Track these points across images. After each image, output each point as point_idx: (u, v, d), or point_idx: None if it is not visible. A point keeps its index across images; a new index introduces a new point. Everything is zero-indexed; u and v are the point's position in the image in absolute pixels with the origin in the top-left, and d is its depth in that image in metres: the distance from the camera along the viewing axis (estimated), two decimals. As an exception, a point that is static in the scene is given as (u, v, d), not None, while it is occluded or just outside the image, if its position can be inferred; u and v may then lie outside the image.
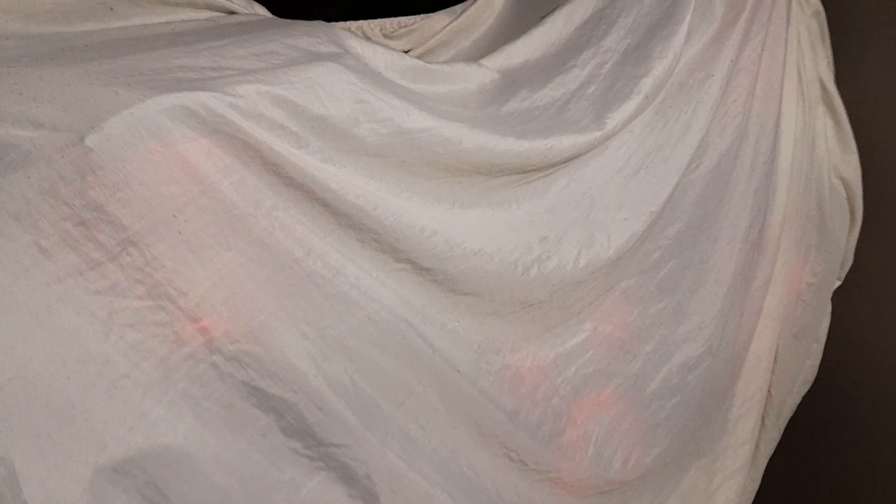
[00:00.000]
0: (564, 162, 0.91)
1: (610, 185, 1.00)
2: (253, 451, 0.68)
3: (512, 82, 0.98)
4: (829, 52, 1.29)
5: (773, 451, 1.46)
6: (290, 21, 0.84)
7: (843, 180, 1.35)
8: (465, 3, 1.21)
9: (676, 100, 1.05)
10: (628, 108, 0.94)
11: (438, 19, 1.17)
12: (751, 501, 1.45)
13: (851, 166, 1.33)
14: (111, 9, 0.79)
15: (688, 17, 1.00)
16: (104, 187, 0.57)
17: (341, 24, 1.08)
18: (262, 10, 0.92)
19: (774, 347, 1.36)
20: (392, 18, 1.15)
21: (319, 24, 0.77)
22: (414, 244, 0.75)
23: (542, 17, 1.09)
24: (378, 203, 0.72)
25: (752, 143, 1.17)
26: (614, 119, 0.92)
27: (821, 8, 1.24)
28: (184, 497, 0.63)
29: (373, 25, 1.13)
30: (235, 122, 0.61)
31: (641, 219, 1.00)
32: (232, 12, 0.88)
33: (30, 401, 0.56)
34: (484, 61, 1.00)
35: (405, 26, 1.15)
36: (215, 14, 0.86)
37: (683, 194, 1.10)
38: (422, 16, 1.17)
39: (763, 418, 1.40)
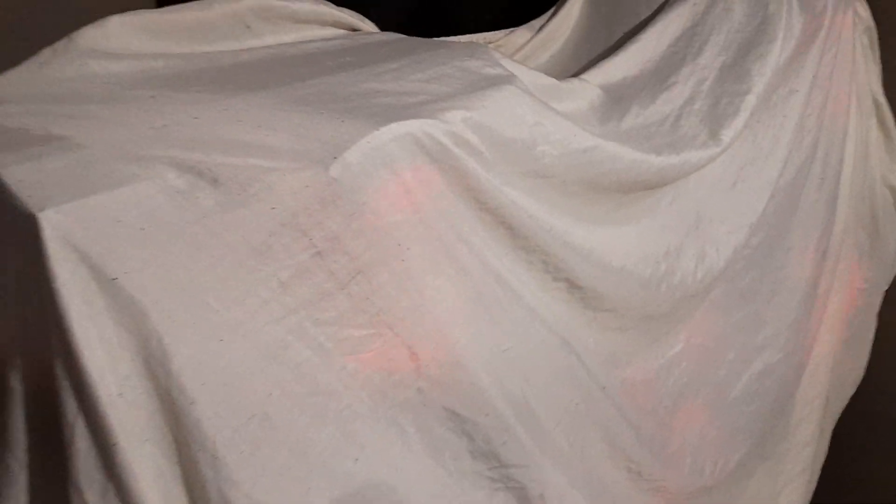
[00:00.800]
0: (686, 176, 0.94)
1: (710, 199, 1.04)
2: (446, 476, 0.69)
3: (618, 98, 1.01)
4: (879, 65, 1.35)
5: (825, 454, 1.52)
6: (429, 40, 0.85)
7: (892, 188, 1.41)
8: (542, 18, 1.24)
9: (764, 115, 1.10)
10: (738, 123, 0.98)
11: (521, 34, 1.19)
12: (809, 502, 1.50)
13: (899, 175, 1.40)
14: (248, 27, 0.79)
15: (781, 35, 1.05)
16: (341, 217, 0.57)
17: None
18: (372, 26, 0.93)
19: (833, 352, 1.42)
20: (479, 34, 1.16)
21: (473, 45, 0.78)
22: (575, 265, 0.77)
23: (631, 34, 1.11)
24: (551, 225, 0.73)
25: (822, 156, 1.22)
26: (728, 134, 0.96)
27: (872, 23, 1.31)
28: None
29: (463, 42, 1.14)
30: (451, 149, 0.62)
31: (742, 231, 1.05)
32: (355, 28, 0.88)
33: (269, 437, 0.55)
34: (586, 77, 1.02)
35: (491, 42, 1.17)
36: (340, 32, 0.87)
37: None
38: (504, 31, 1.19)
39: (821, 424, 1.45)
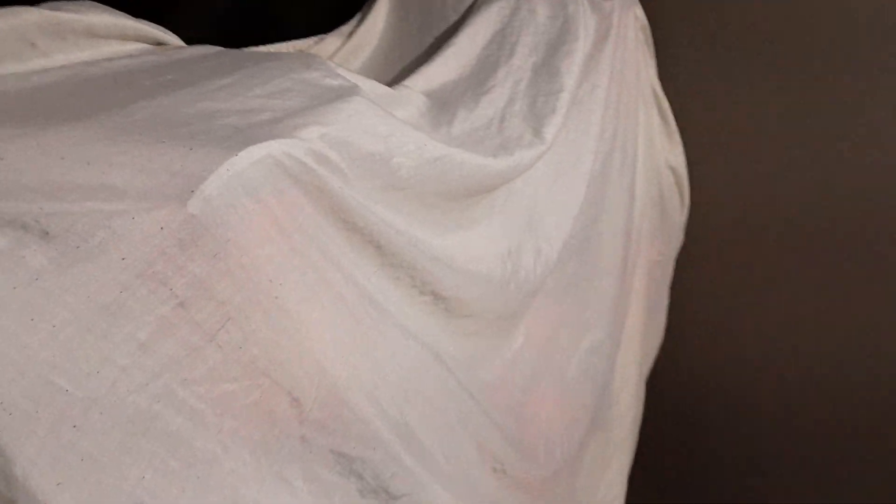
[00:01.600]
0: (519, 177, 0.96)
1: (537, 195, 1.08)
2: (337, 523, 0.64)
3: (443, 104, 1.01)
4: (654, 60, 1.50)
5: (642, 410, 1.66)
6: (247, 52, 0.78)
7: (673, 169, 1.58)
8: (349, 25, 1.21)
9: (572, 111, 1.16)
10: (557, 120, 1.02)
11: (332, 41, 1.15)
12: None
13: (678, 157, 1.58)
14: (33, 44, 0.67)
15: (582, 35, 1.11)
16: (204, 259, 0.49)
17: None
18: (178, 40, 0.84)
19: (642, 323, 1.55)
20: (286, 42, 1.11)
21: (303, 55, 0.73)
22: (441, 277, 0.76)
23: (446, 40, 1.12)
24: (415, 240, 0.71)
25: (621, 145, 1.33)
26: (550, 132, 1.00)
27: (647, 22, 1.45)
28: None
29: (272, 50, 1.07)
30: (313, 168, 0.56)
31: (568, 223, 1.10)
32: (161, 42, 0.79)
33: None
34: (407, 83, 1.01)
35: (301, 49, 1.12)
36: (145, 47, 0.77)
37: (584, 196, 1.21)
38: (315, 38, 1.15)
39: (636, 387, 1.59)
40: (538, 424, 1.17)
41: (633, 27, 1.32)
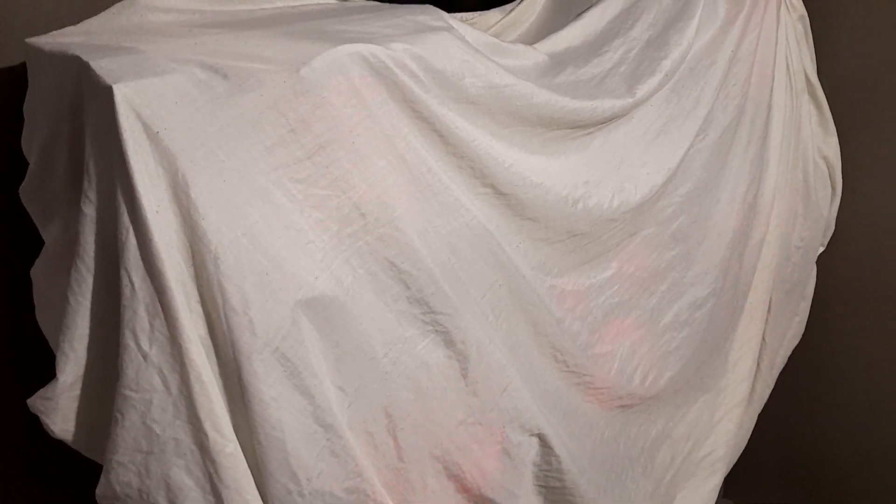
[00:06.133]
0: (603, 122, 1.20)
1: (636, 146, 1.29)
2: (387, 311, 0.96)
3: (559, 62, 1.27)
4: (812, 49, 1.59)
5: (768, 395, 1.73)
6: (399, 5, 1.13)
7: (825, 159, 1.64)
8: (512, 4, 1.50)
9: (688, 81, 1.35)
10: (653, 81, 1.23)
11: (492, 16, 1.46)
12: (748, 436, 1.72)
13: (832, 147, 1.64)
14: (262, -6, 1.09)
15: (698, 13, 1.30)
16: (309, 105, 0.85)
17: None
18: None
19: (768, 300, 1.64)
20: (457, 13, 1.44)
21: (428, 7, 1.06)
22: (497, 172, 1.04)
23: (579, 14, 1.38)
24: (475, 138, 1.00)
25: (749, 120, 1.46)
26: (642, 90, 1.21)
27: (805, 12, 1.55)
28: (343, 331, 0.91)
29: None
30: (391, 67, 0.90)
31: (661, 173, 1.29)
32: (346, -1, 1.17)
33: (254, 249, 0.83)
34: (536, 46, 1.29)
35: (466, 20, 1.44)
36: (336, 0, 1.16)
37: (693, 159, 1.38)
38: (479, 12, 1.46)
39: (758, 362, 1.67)
40: (616, 346, 1.37)
41: (775, 15, 1.44)
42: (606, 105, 1.17)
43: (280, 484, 0.88)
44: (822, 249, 1.72)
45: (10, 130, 1.01)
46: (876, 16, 1.55)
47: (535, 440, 1.18)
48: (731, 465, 1.68)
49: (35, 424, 0.90)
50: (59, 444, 0.91)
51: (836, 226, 1.70)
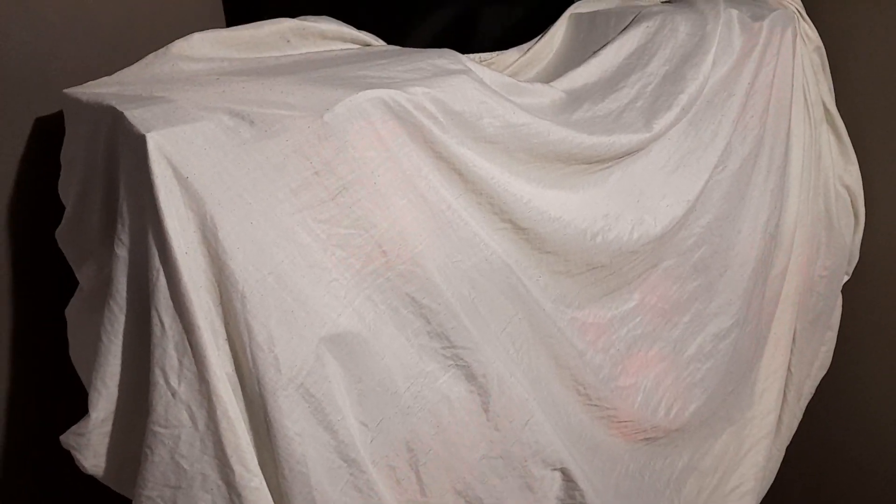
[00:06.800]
0: (621, 157, 1.22)
1: (654, 179, 1.30)
2: (408, 346, 0.98)
3: (576, 99, 1.30)
4: (830, 79, 1.60)
5: (796, 426, 1.71)
6: (417, 49, 1.16)
7: (847, 187, 1.64)
8: (529, 43, 1.54)
9: (706, 114, 1.36)
10: (669, 116, 1.25)
11: (510, 55, 1.49)
12: (776, 468, 1.70)
13: (853, 175, 1.64)
14: (288, 41, 1.13)
15: (713, 49, 1.32)
16: (332, 149, 0.88)
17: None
18: (382, 44, 1.25)
19: (792, 330, 1.64)
20: (475, 54, 1.48)
21: (446, 51, 1.09)
22: (515, 208, 1.06)
23: (596, 51, 1.41)
24: (493, 175, 1.03)
25: (768, 151, 1.47)
26: (659, 124, 1.23)
27: (821, 43, 1.56)
28: (366, 367, 0.93)
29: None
30: (411, 110, 0.93)
31: (681, 205, 1.30)
32: (368, 44, 1.21)
33: (280, 288, 0.86)
34: (554, 83, 1.32)
35: (484, 60, 1.48)
36: (357, 46, 1.20)
37: (713, 190, 1.40)
38: (496, 52, 1.50)
39: (785, 393, 1.66)
40: (640, 378, 1.37)
41: (791, 46, 1.46)
42: (623, 140, 1.19)
43: (304, 518, 0.90)
44: (847, 278, 1.71)
45: (48, 176, 1.05)
46: (893, 44, 1.56)
47: (557, 474, 1.18)
48: (760, 498, 1.66)
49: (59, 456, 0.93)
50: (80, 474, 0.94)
51: (860, 254, 1.69)
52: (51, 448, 0.93)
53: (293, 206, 0.87)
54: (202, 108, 0.86)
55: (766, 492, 1.68)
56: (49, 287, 1.14)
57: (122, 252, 0.86)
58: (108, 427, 0.92)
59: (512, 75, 1.43)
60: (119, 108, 0.84)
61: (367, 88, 0.91)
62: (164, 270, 0.82)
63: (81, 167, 0.94)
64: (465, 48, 1.27)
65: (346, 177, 0.90)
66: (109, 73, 1.01)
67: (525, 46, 1.52)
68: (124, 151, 0.84)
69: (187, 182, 0.82)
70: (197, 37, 1.07)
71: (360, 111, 0.89)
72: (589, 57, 1.38)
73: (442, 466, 1.04)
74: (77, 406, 0.92)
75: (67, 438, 0.93)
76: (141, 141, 0.80)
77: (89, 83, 0.98)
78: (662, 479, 1.47)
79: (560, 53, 1.52)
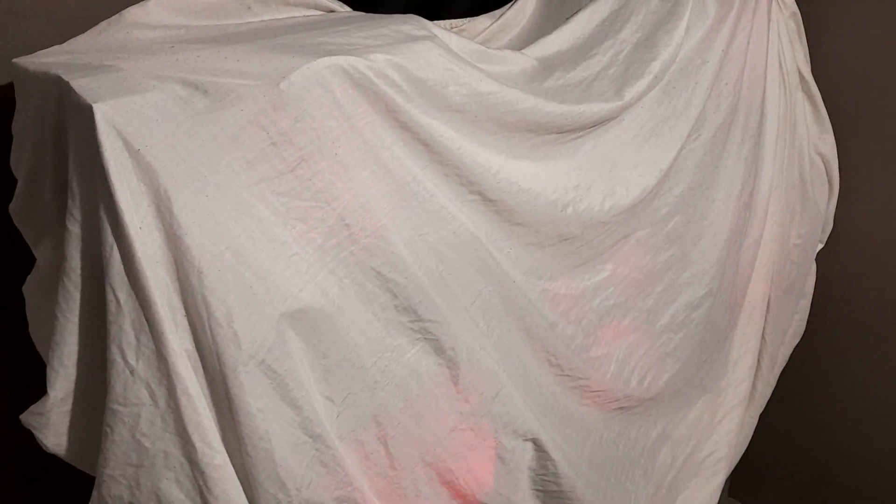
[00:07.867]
0: (592, 126, 1.19)
1: (627, 149, 1.28)
2: (375, 321, 0.96)
3: (548, 66, 1.27)
4: (805, 47, 1.58)
5: (770, 394, 1.72)
6: (382, 15, 1.13)
7: (822, 155, 1.63)
8: (501, 9, 1.50)
9: (679, 82, 1.34)
10: (641, 84, 1.22)
11: (481, 21, 1.45)
12: (750, 435, 1.71)
13: (828, 143, 1.63)
14: (248, 7, 1.09)
15: (687, 14, 1.30)
16: (289, 119, 0.85)
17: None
18: (348, 10, 1.21)
19: (766, 299, 1.63)
20: (445, 21, 1.44)
21: (411, 16, 1.06)
22: (483, 179, 1.04)
23: (568, 18, 1.38)
24: (460, 146, 1.00)
25: (742, 119, 1.45)
26: (630, 93, 1.21)
27: (796, 10, 1.54)
28: (330, 342, 0.91)
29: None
30: (371, 78, 0.90)
31: (653, 175, 1.29)
32: (332, 10, 1.17)
33: (238, 263, 0.84)
34: (525, 51, 1.28)
35: (455, 27, 1.44)
36: (321, 12, 1.16)
37: (686, 159, 1.38)
38: (468, 19, 1.46)
39: (759, 361, 1.67)
40: (613, 348, 1.37)
41: (766, 13, 1.43)
42: (594, 109, 1.17)
43: (270, 494, 0.88)
44: (821, 246, 1.71)
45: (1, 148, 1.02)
46: (870, 11, 1.54)
47: (529, 445, 1.17)
48: (733, 465, 1.67)
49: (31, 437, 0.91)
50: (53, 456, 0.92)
51: (834, 222, 1.69)
52: (21, 428, 0.91)
53: (250, 179, 0.85)
54: (154, 78, 0.83)
55: (739, 458, 1.69)
56: (7, 263, 1.11)
57: (74, 228, 0.83)
58: (67, 406, 0.90)
59: (483, 43, 1.39)
60: (66, 77, 0.80)
61: (325, 55, 0.87)
62: (117, 246, 0.80)
63: (31, 140, 0.90)
64: (435, 15, 1.23)
65: (304, 147, 0.87)
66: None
67: (497, 13, 1.48)
68: (73, 123, 0.81)
69: (139, 154, 0.79)
70: (153, 3, 1.03)
71: (319, 79, 0.86)
72: (561, 24, 1.35)
73: (411, 440, 1.03)
74: (43, 385, 0.90)
75: (27, 418, 0.91)
76: (88, 111, 0.77)
77: (39, 52, 0.94)
78: (637, 448, 1.47)
79: (533, 20, 1.49)
